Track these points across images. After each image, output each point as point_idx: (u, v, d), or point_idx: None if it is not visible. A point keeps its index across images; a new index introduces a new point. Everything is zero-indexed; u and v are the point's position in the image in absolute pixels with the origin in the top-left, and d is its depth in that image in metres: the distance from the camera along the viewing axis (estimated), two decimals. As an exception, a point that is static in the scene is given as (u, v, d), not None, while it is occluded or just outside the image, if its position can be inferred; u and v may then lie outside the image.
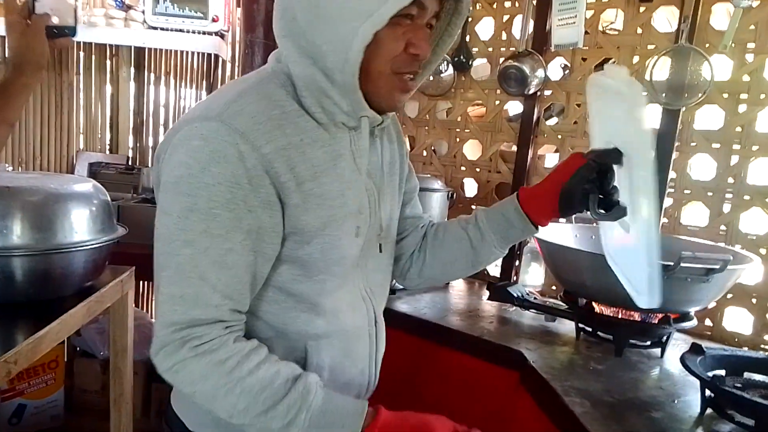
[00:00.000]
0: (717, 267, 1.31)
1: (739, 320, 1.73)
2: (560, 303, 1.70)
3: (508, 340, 1.55)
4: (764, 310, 1.66)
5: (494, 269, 2.27)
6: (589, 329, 1.59)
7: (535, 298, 1.78)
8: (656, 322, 1.47)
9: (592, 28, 1.96)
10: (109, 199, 1.45)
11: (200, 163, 0.73)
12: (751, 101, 1.70)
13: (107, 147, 3.02)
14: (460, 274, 1.12)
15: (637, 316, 1.49)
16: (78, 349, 2.56)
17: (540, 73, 2.02)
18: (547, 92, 2.08)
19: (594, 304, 1.55)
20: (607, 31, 2.09)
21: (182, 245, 0.75)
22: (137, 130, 3.05)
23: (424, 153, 2.42)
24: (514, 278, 2.17)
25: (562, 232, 1.76)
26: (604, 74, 0.96)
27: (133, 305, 2.59)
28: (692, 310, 1.49)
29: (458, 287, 2.15)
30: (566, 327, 1.67)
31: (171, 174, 0.76)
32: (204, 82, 3.05)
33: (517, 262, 2.17)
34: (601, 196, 0.91)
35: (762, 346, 1.66)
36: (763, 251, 1.68)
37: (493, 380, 1.52)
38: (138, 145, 3.06)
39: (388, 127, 0.97)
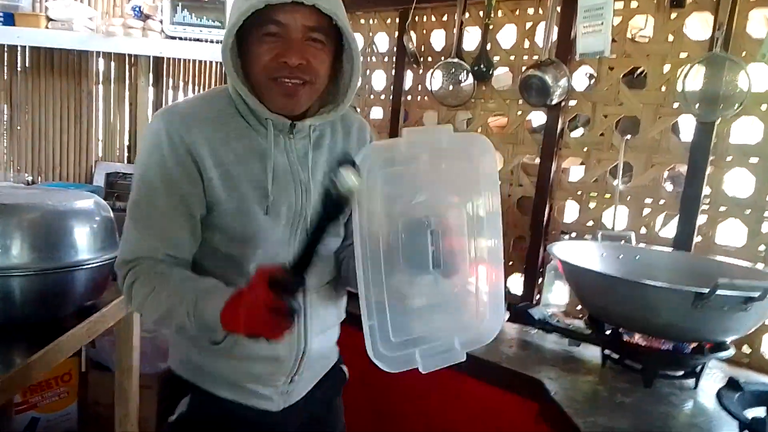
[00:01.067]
0: (756, 295, 1.21)
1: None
2: (585, 327, 1.60)
3: (527, 367, 1.46)
4: (808, 338, 1.55)
5: (516, 287, 2.18)
6: (616, 356, 1.49)
7: (558, 321, 1.69)
8: (689, 351, 1.37)
9: (619, 36, 1.87)
10: (111, 215, 1.41)
11: (145, 148, 1.03)
12: (793, 113, 1.59)
13: (126, 156, 3.00)
14: None
15: (668, 345, 1.39)
16: (92, 360, 2.54)
17: (564, 82, 1.93)
18: (572, 102, 1.99)
19: (621, 330, 1.45)
20: (637, 39, 1.99)
21: (134, 206, 1.03)
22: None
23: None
24: (537, 297, 2.07)
25: (585, 250, 1.67)
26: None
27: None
28: (729, 339, 1.38)
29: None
30: (591, 352, 1.58)
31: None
32: (222, 91, 3.02)
33: (540, 280, 2.07)
34: None
35: (805, 376, 1.54)
36: (806, 274, 1.56)
37: (510, 411, 1.43)
38: (156, 154, 3.04)
39: (350, 134, 1.18)
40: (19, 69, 2.94)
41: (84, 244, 1.28)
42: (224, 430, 1.13)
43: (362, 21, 2.54)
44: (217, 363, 1.10)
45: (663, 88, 1.80)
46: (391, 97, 2.47)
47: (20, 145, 2.99)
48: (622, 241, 1.80)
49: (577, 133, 2.10)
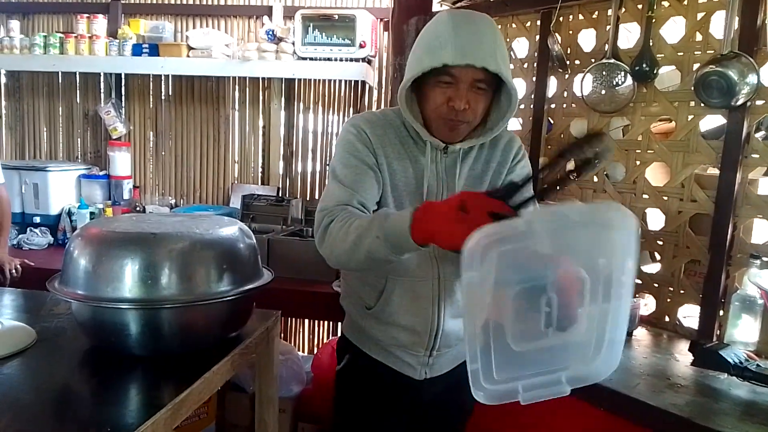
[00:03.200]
0: None
1: None
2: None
3: (726, 425, 1.19)
4: None
5: (689, 319, 1.88)
6: None
7: (758, 365, 1.39)
8: None
9: (825, 18, 1.54)
10: (254, 242, 1.35)
11: (338, 143, 1.33)
12: None
13: (259, 178, 3.05)
14: None
15: None
16: (230, 382, 2.56)
17: (751, 78, 1.63)
18: (759, 102, 1.68)
19: None
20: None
21: (332, 172, 1.30)
22: (287, 160, 3.06)
23: (595, 179, 2.10)
24: (717, 332, 1.76)
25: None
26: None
27: (279, 345, 2.55)
28: None
29: (643, 338, 1.79)
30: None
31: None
32: (350, 109, 2.98)
33: (720, 312, 1.76)
34: None
35: None
36: None
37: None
38: (288, 174, 3.06)
39: (497, 146, 1.36)
40: (163, 97, 3.10)
41: (230, 274, 1.23)
42: (372, 385, 1.41)
43: (499, 26, 2.37)
44: (372, 327, 1.37)
45: None
46: (531, 105, 2.27)
47: (164, 169, 3.14)
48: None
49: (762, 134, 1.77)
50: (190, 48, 2.79)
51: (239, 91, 3.02)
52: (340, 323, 1.61)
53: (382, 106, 2.90)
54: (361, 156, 1.27)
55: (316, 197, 3.09)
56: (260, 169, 3.05)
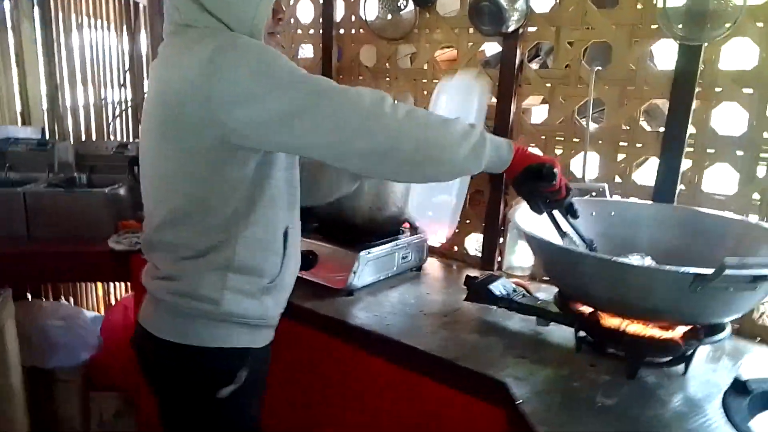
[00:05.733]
0: (768, 273, 0.96)
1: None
2: (554, 300, 1.35)
3: (489, 363, 1.21)
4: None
5: (474, 248, 1.92)
6: (592, 339, 1.25)
7: (523, 295, 1.44)
8: (681, 336, 1.13)
9: (586, -58, 1.53)
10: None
11: (265, 54, 0.99)
12: (797, 31, 1.30)
13: (18, 117, 2.56)
14: None
15: (657, 330, 1.15)
16: None
17: (521, 4, 1.59)
18: (531, 29, 1.66)
19: (600, 314, 1.21)
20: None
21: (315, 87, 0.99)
22: (52, 94, 2.59)
23: (387, 110, 2.01)
24: (499, 259, 1.82)
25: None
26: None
27: (61, 309, 2.24)
28: (728, 319, 1.14)
29: (433, 273, 1.80)
30: (563, 333, 1.33)
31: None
32: (124, 27, 2.56)
33: (501, 239, 1.81)
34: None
35: (805, 342, 1.34)
36: (808, 225, 1.33)
37: (474, 419, 1.19)
38: (55, 111, 2.60)
39: None
40: None
41: None
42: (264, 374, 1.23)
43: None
44: (269, 307, 1.17)
45: (639, 5, 1.49)
46: (321, 31, 2.10)
47: None
48: (593, 194, 1.54)
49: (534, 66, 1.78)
50: None
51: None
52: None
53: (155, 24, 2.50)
54: None
55: (93, 137, 2.69)
56: (18, 107, 2.55)
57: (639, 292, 1.05)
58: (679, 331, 1.15)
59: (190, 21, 1.05)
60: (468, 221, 1.89)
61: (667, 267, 0.99)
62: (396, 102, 1.01)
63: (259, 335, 1.17)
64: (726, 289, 0.98)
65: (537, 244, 1.20)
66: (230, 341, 1.12)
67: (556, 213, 1.23)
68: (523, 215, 1.28)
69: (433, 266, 1.87)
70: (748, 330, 1.38)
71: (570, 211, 1.22)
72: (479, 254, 1.88)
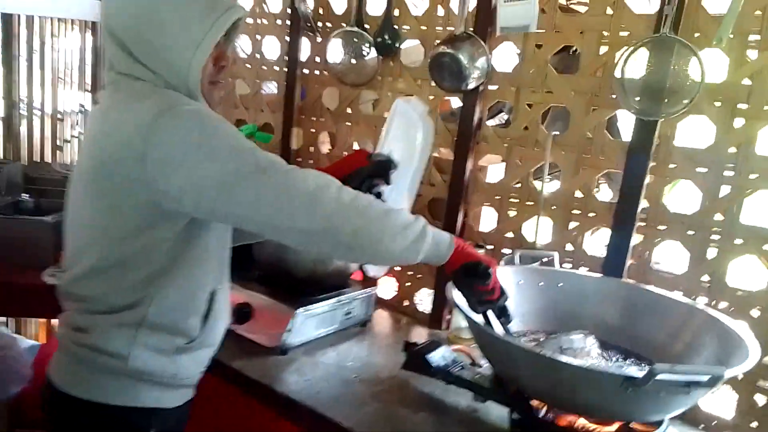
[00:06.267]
0: (704, 380, 0.91)
1: (717, 401, 1.35)
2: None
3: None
4: (752, 390, 1.28)
5: (425, 304, 1.85)
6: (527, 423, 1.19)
7: (463, 367, 1.37)
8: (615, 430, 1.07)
9: (549, 5, 1.50)
10: None
11: (207, 119, 0.98)
12: (752, 113, 1.28)
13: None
14: None
15: (591, 424, 1.09)
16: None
17: (482, 62, 1.56)
18: (493, 87, 1.63)
19: (534, 403, 1.15)
20: (572, 6, 1.64)
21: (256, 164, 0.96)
22: (8, 117, 2.50)
23: (345, 154, 1.96)
24: (448, 318, 1.76)
25: (500, 277, 1.33)
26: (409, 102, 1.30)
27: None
28: (667, 417, 1.09)
29: (379, 329, 1.73)
30: (500, 411, 1.26)
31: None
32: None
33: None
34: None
35: (748, 434, 1.29)
36: (755, 313, 1.29)
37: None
38: (10, 134, 2.51)
39: None
40: None
41: None
42: None
43: (250, -26, 2.08)
44: (184, 366, 1.10)
45: (598, 73, 1.46)
46: (285, 68, 2.05)
47: None
48: (544, 260, 1.49)
49: (494, 122, 1.75)
50: None
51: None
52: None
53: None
54: None
55: (47, 158, 2.60)
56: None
57: (570, 387, 1.00)
58: (615, 425, 1.09)
59: (126, 71, 1.02)
60: (420, 276, 1.83)
61: (599, 368, 0.95)
62: (342, 187, 0.98)
63: (172, 394, 1.11)
64: (658, 393, 0.93)
65: (471, 325, 1.14)
66: (137, 400, 1.06)
67: (490, 314, 1.17)
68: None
69: (381, 320, 1.80)
70: (692, 417, 1.33)
71: (503, 314, 1.18)
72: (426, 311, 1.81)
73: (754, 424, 1.28)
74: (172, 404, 1.11)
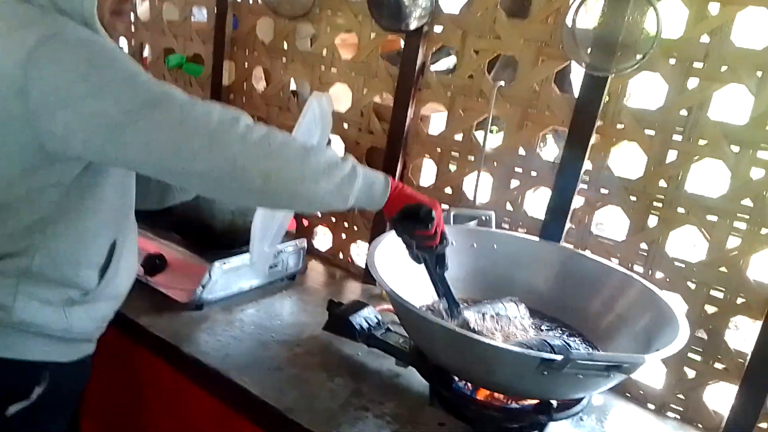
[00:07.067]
0: (625, 365, 0.85)
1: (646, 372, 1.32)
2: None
3: (325, 417, 1.07)
4: (682, 363, 1.25)
5: (361, 258, 1.77)
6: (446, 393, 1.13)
7: (388, 329, 1.30)
8: (533, 410, 1.02)
9: (504, -61, 1.35)
10: None
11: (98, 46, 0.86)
12: (708, 74, 1.18)
13: None
14: None
15: (510, 402, 1.04)
16: None
17: (425, 1, 1.41)
18: (438, 29, 1.48)
19: (453, 377, 1.08)
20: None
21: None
22: None
23: (281, 94, 1.81)
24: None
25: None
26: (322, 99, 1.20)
27: None
28: (586, 396, 1.04)
29: (310, 283, 1.64)
30: (421, 379, 1.21)
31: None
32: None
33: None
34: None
35: (671, 405, 1.27)
36: (691, 285, 1.24)
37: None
38: None
39: None
40: None
41: None
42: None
43: None
44: (81, 318, 1.02)
45: (550, 19, 1.33)
46: (216, -6, 1.85)
47: None
48: (483, 218, 1.40)
49: (440, 66, 1.62)
50: None
51: None
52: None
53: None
54: None
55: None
56: None
57: (486, 366, 0.93)
58: (532, 401, 1.04)
59: None
60: (356, 228, 1.73)
61: (515, 348, 0.87)
62: (254, 124, 0.86)
63: (65, 348, 1.03)
64: (575, 376, 0.87)
65: (390, 295, 1.05)
66: (23, 353, 0.98)
67: (426, 263, 1.09)
68: (385, 252, 1.13)
69: (314, 274, 1.71)
70: (620, 387, 1.30)
71: (440, 262, 1.11)
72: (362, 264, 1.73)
73: (681, 396, 1.26)
74: (66, 359, 1.03)
